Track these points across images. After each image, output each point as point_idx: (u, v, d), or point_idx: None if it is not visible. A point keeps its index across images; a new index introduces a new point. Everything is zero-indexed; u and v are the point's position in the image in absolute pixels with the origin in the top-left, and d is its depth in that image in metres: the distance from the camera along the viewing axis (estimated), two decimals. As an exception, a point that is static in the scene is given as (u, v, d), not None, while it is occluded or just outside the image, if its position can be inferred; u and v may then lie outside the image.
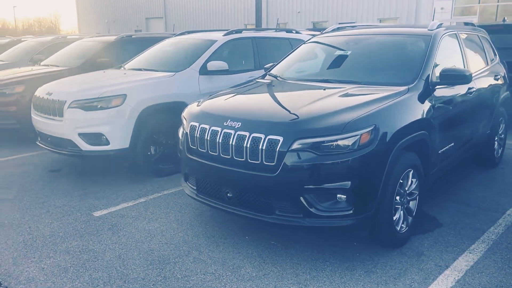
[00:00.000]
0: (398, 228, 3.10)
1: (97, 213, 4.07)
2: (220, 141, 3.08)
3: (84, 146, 4.73)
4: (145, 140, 4.90)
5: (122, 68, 6.16)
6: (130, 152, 4.83)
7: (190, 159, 3.37)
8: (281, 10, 29.75)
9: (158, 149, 5.10)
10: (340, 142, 2.69)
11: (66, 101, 4.76)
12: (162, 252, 3.29)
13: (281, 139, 2.78)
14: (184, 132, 3.47)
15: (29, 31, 61.66)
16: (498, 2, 21.17)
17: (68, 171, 5.39)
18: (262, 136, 2.86)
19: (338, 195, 2.73)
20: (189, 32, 6.95)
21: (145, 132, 4.89)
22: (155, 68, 5.64)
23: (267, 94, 3.72)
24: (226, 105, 3.41)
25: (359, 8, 26.15)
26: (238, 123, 3.03)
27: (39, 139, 5.43)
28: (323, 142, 2.70)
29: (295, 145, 2.75)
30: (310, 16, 28.86)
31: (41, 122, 5.13)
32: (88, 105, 4.68)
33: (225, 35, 5.99)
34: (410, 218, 3.25)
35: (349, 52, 4.04)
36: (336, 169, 2.69)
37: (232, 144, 3.00)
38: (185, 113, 3.64)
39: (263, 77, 4.48)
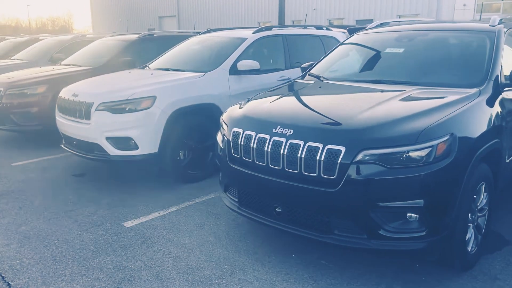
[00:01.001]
0: (469, 249, 2.77)
1: (128, 224, 3.81)
2: (269, 150, 2.78)
3: (112, 150, 4.48)
4: (174, 144, 4.63)
5: (147, 68, 5.91)
6: (159, 157, 4.56)
7: (232, 169, 3.08)
8: (296, 8, 29.34)
9: (187, 153, 4.83)
10: (412, 154, 2.37)
11: (93, 103, 4.50)
12: (202, 271, 3.01)
13: (343, 149, 2.47)
14: (225, 139, 3.18)
15: (43, 30, 62.12)
16: (524, -3, 20.50)
17: (93, 176, 5.14)
18: (320, 145, 2.55)
19: (409, 214, 2.41)
20: (214, 30, 6.66)
21: (175, 136, 4.62)
22: (183, 68, 5.36)
23: (317, 96, 3.39)
24: (273, 109, 3.10)
25: (377, 5, 25.63)
26: (289, 130, 2.72)
27: (63, 142, 5.20)
28: (393, 153, 2.38)
29: (360, 157, 2.43)
30: (326, 13, 28.41)
31: (66, 124, 4.90)
32: (117, 107, 4.42)
33: (254, 32, 5.68)
34: (479, 237, 2.91)
35: (401, 50, 3.70)
36: (408, 184, 2.37)
37: (283, 154, 2.70)
38: (225, 117, 3.35)
39: (302, 77, 4.17)
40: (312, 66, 4.25)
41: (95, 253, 3.29)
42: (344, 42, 4.45)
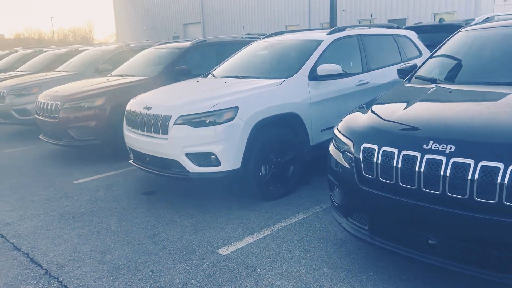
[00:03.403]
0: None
1: (224, 251, 3.41)
2: (421, 170, 2.32)
3: (192, 167, 4.10)
4: (256, 158, 4.23)
5: (211, 76, 5.54)
6: (242, 173, 4.16)
7: (362, 192, 2.63)
8: (325, 9, 28.79)
9: (269, 168, 4.41)
10: None
11: (171, 116, 4.14)
12: (334, 312, 2.57)
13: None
14: (350, 156, 2.73)
15: (64, 42, 63.22)
16: None
17: (164, 194, 4.78)
18: (500, 165, 2.08)
19: None
20: (276, 34, 6.26)
21: (256, 150, 4.21)
22: (256, 75, 4.97)
23: (458, 104, 2.85)
24: (411, 120, 2.64)
25: (411, 3, 24.86)
26: (449, 147, 2.26)
27: (132, 157, 4.87)
28: None
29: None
30: (356, 14, 27.76)
31: (137, 139, 4.55)
32: (197, 120, 4.05)
33: (329, 34, 5.25)
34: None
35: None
36: None
37: (443, 176, 2.24)
38: (343, 129, 2.91)
39: (409, 81, 3.70)
40: (417, 68, 3.77)
41: (199, 288, 2.89)
42: (449, 41, 3.95)
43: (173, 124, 4.11)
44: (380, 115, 2.80)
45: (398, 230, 2.52)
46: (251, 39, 8.31)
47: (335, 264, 3.11)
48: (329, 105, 4.82)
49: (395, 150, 2.45)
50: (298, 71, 4.71)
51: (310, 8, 30.30)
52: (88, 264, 3.29)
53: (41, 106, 6.48)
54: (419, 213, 2.35)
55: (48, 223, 4.12)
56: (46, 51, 12.71)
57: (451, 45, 3.86)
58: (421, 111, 2.74)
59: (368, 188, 2.60)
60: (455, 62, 3.68)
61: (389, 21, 24.65)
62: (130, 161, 4.88)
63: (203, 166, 4.10)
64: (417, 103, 2.88)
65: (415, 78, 3.66)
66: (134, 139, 4.62)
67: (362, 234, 2.73)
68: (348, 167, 2.73)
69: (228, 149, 4.04)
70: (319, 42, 5.05)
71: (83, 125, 6.09)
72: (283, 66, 5.01)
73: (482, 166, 2.13)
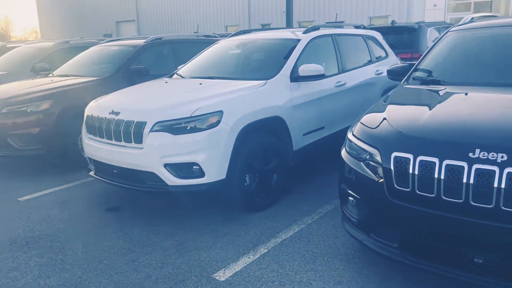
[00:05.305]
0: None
1: (220, 276, 2.98)
2: (470, 182, 2.09)
3: (171, 180, 3.61)
4: (242, 167, 3.84)
5: (178, 76, 5.05)
6: (227, 184, 3.75)
7: (394, 206, 2.36)
8: (265, 10, 28.89)
9: (253, 178, 4.04)
10: None
11: (146, 122, 3.62)
12: None
13: None
14: (377, 166, 2.45)
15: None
16: (492, -3, 21.15)
17: (133, 210, 4.22)
18: None
19: None
20: (245, 32, 5.90)
21: (242, 157, 3.83)
22: (233, 76, 4.58)
23: (482, 107, 2.64)
24: (445, 126, 2.41)
25: (348, 7, 25.71)
26: (501, 155, 2.06)
27: (93, 169, 4.24)
28: None
29: None
30: (296, 16, 28.11)
31: (101, 149, 3.95)
32: (178, 126, 3.57)
33: (305, 32, 4.99)
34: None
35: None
36: None
37: (498, 188, 2.03)
38: (363, 135, 2.63)
39: (407, 82, 3.53)
40: (413, 69, 3.62)
41: (207, 327, 2.45)
42: (441, 42, 3.84)
43: (149, 131, 3.59)
44: (406, 120, 2.56)
45: (438, 248, 2.28)
46: (207, 37, 7.88)
47: (350, 284, 2.82)
48: (310, 108, 4.55)
49: (435, 160, 2.21)
50: (279, 72, 4.39)
51: (250, 9, 30.22)
52: (60, 305, 2.71)
53: (-29, 111, 5.53)
54: (467, 230, 2.13)
55: (-4, 253, 3.41)
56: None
57: (444, 45, 3.76)
58: (450, 116, 2.54)
59: (401, 202, 2.34)
60: (453, 62, 3.57)
61: (327, 23, 25.24)
62: (91, 174, 4.25)
63: (184, 178, 3.62)
64: (438, 106, 2.67)
65: (413, 79, 3.49)
66: (97, 148, 4.01)
67: (391, 253, 2.47)
68: (375, 178, 2.45)
69: (213, 158, 3.61)
70: (297, 41, 4.77)
71: (26, 133, 5.28)
72: (262, 66, 4.68)
73: (542, 177, 1.95)
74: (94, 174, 4.20)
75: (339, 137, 4.65)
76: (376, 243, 2.56)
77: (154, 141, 3.57)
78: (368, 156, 2.55)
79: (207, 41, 7.22)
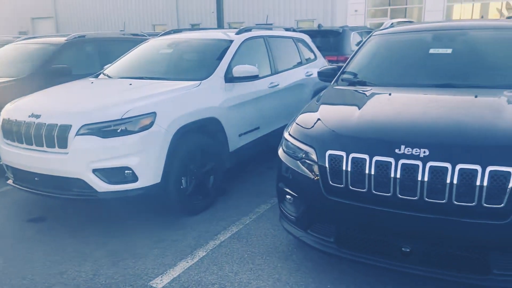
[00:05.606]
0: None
1: (158, 283, 2.89)
2: (397, 176, 2.23)
3: (101, 186, 3.42)
4: (177, 170, 3.76)
5: (105, 76, 4.81)
6: (162, 188, 3.65)
7: (330, 202, 2.44)
8: (193, 10, 28.61)
9: (189, 180, 3.97)
10: None
11: (71, 125, 3.39)
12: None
13: (512, 171, 2.05)
14: (312, 164, 2.53)
15: None
16: (406, 4, 22.82)
17: (59, 219, 3.94)
18: (478, 168, 2.09)
19: None
20: (175, 32, 5.78)
21: (178, 160, 3.74)
22: (165, 76, 4.45)
23: (411, 106, 2.76)
24: (373, 124, 2.54)
25: (276, 10, 26.28)
26: (423, 151, 2.22)
27: (12, 177, 3.89)
28: None
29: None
30: (226, 17, 28.16)
31: (20, 155, 3.64)
32: (107, 129, 3.39)
33: (238, 33, 5.01)
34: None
35: (449, 51, 3.44)
36: None
37: (421, 181, 2.18)
38: (299, 135, 2.69)
39: (336, 83, 3.68)
40: (341, 71, 3.78)
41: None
42: (366, 45, 4.06)
43: (75, 135, 3.37)
44: (338, 120, 2.66)
45: (370, 240, 2.40)
46: (135, 36, 7.61)
47: (288, 281, 2.88)
48: (245, 109, 4.58)
49: (366, 157, 2.32)
50: (213, 72, 4.35)
51: (178, 8, 29.72)
52: (-24, 330, 2.44)
53: None
54: (395, 220, 2.26)
55: None
56: None
57: (368, 49, 3.98)
58: (377, 115, 2.67)
59: (336, 198, 2.42)
60: (377, 64, 3.79)
61: (257, 25, 25.61)
62: (10, 182, 3.90)
63: (116, 184, 3.45)
64: (366, 106, 2.81)
65: (342, 80, 3.65)
66: (15, 154, 3.69)
67: (327, 247, 2.55)
68: (311, 176, 2.52)
69: (146, 161, 3.48)
70: (230, 42, 4.76)
71: None
72: (195, 67, 4.60)
73: (460, 169, 2.13)
74: (13, 182, 3.86)
75: (274, 137, 4.73)
76: (313, 239, 2.63)
77: (81, 145, 3.36)
78: (304, 155, 2.61)
79: (135, 40, 6.98)
